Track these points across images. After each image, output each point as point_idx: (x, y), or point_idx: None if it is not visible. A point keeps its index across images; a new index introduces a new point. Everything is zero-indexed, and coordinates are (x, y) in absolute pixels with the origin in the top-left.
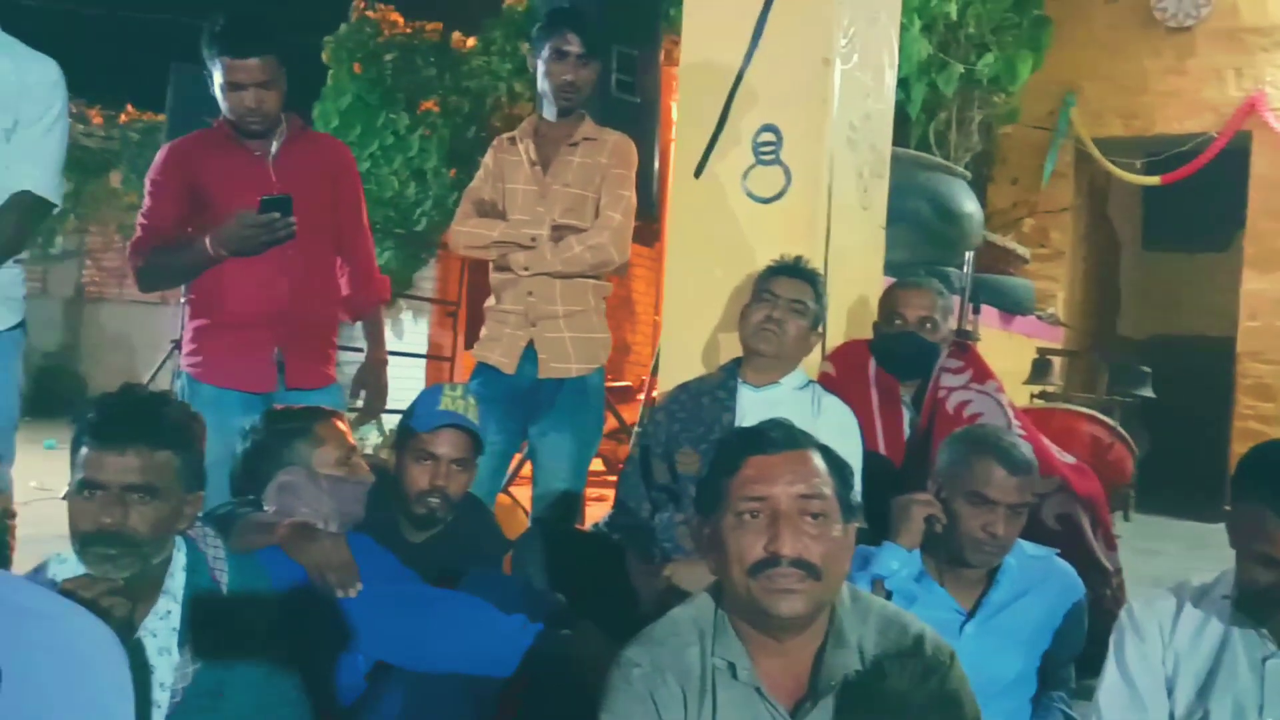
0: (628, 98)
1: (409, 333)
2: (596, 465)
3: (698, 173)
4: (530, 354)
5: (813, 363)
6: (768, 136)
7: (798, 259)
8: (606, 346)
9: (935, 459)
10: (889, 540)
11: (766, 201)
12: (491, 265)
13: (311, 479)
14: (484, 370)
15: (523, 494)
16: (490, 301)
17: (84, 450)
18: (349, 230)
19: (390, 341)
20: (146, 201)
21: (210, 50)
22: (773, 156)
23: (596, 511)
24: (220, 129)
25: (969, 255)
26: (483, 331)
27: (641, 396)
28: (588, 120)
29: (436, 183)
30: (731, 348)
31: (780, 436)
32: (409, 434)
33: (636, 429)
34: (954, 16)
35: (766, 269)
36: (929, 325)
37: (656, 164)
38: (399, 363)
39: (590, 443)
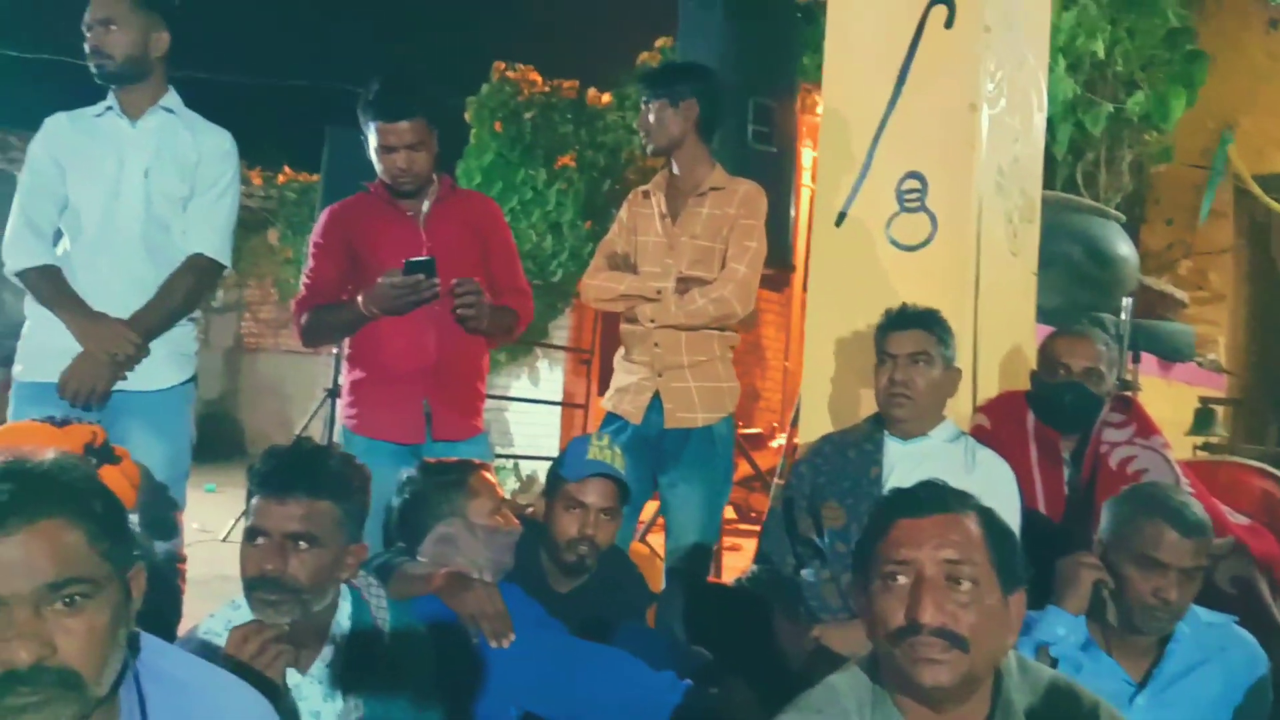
0: (764, 148)
1: (544, 380)
2: (729, 513)
3: (839, 221)
4: (657, 404)
5: (964, 414)
6: (912, 184)
7: (903, 308)
8: (734, 396)
9: (1099, 519)
10: (1053, 604)
11: (912, 249)
12: (621, 317)
13: (468, 530)
14: (613, 420)
15: (659, 542)
16: (620, 352)
17: (254, 499)
18: (503, 282)
19: (526, 389)
20: (309, 262)
21: (365, 115)
22: (918, 203)
23: (732, 561)
24: (376, 191)
25: (1127, 301)
26: (612, 382)
27: (774, 444)
28: (717, 170)
29: (572, 235)
30: (873, 399)
31: (929, 498)
32: (559, 482)
33: (777, 480)
34: (1101, 55)
35: (879, 325)
36: (1094, 377)
37: (792, 212)
38: (534, 410)
39: (720, 493)
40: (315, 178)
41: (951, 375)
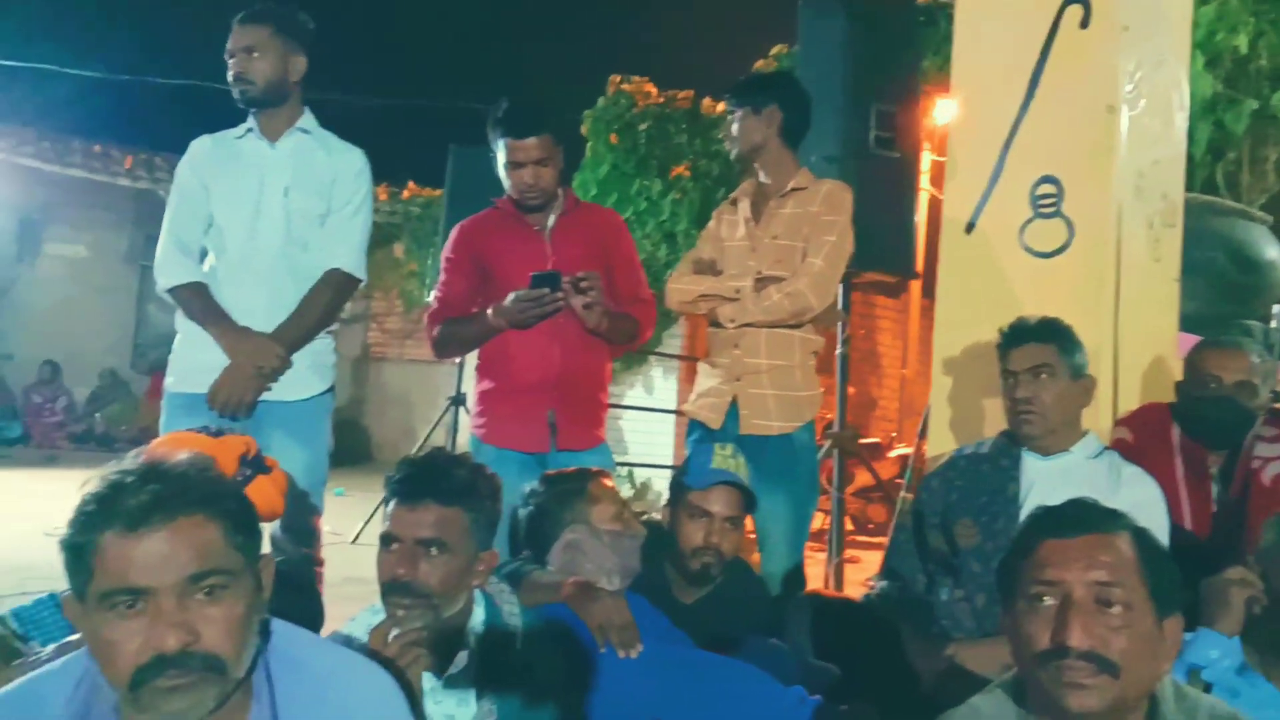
0: (886, 153)
1: (659, 389)
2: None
3: (969, 228)
4: (735, 410)
5: (1104, 427)
6: (1047, 188)
7: (1020, 321)
8: (813, 404)
9: (1250, 537)
10: (1203, 626)
11: (1047, 256)
12: (706, 320)
13: (593, 535)
14: (696, 426)
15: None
16: (704, 357)
17: (389, 506)
18: (626, 293)
19: (640, 397)
20: (441, 276)
21: (494, 132)
22: (1053, 209)
23: (852, 574)
24: (503, 206)
25: (1277, 308)
26: (695, 386)
27: (892, 454)
28: (802, 172)
29: (686, 244)
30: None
31: (1078, 517)
32: (683, 491)
33: (904, 494)
34: (1243, 50)
35: (999, 342)
36: (1246, 390)
37: (916, 217)
38: (649, 418)
39: (805, 503)
40: (438, 193)
41: (1082, 385)
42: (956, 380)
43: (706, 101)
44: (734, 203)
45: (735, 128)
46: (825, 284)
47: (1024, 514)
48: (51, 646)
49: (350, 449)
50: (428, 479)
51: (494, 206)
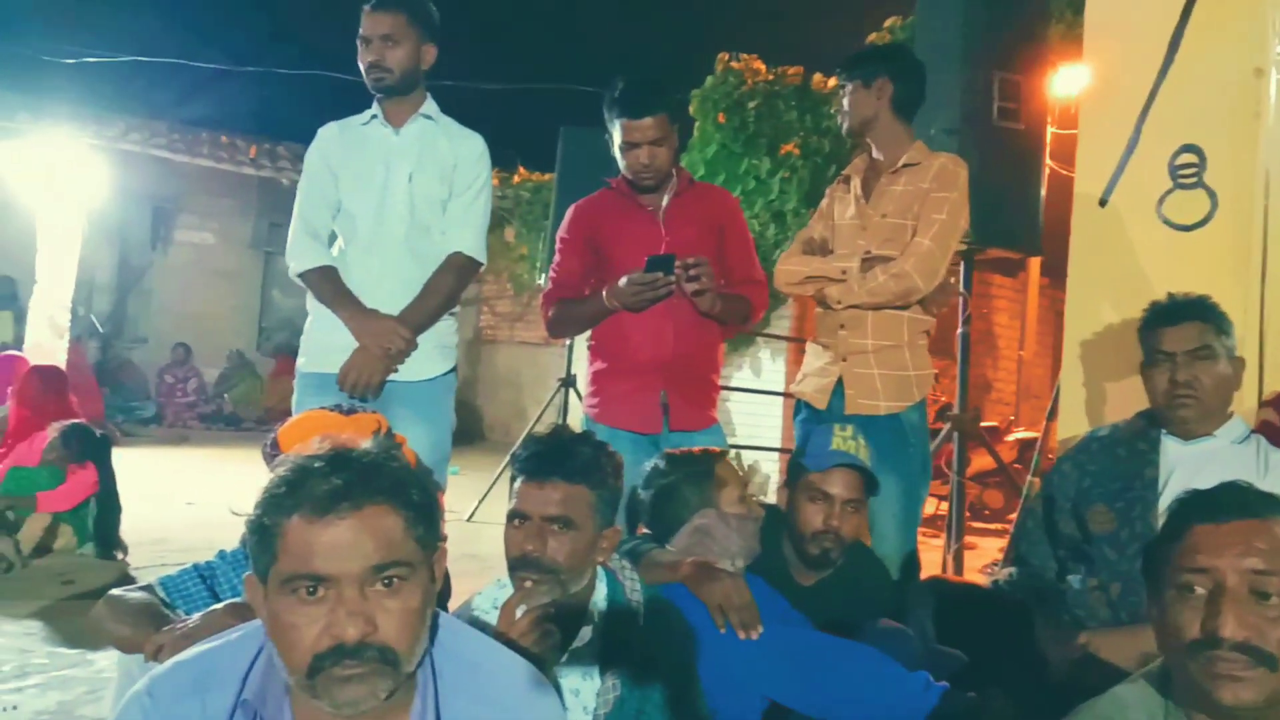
0: (1010, 125)
1: (766, 371)
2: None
3: (1103, 200)
4: (841, 390)
5: (1248, 409)
6: (1188, 158)
7: (1173, 299)
8: (923, 384)
9: None
10: None
11: (1187, 229)
12: (814, 300)
13: (722, 520)
14: (803, 406)
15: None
16: (812, 338)
17: (516, 483)
18: (739, 274)
19: (748, 379)
20: (556, 257)
21: (610, 112)
22: (1194, 179)
23: (971, 560)
24: (617, 187)
25: None
26: (802, 366)
27: (1010, 438)
28: (916, 146)
29: (796, 223)
30: (1143, 393)
31: (1233, 502)
32: (801, 472)
33: (1031, 478)
34: None
35: (1145, 320)
36: None
37: (1043, 192)
38: (757, 400)
39: (915, 484)
40: (548, 177)
41: (1235, 367)
42: (1089, 360)
43: (817, 77)
44: (846, 180)
45: (846, 102)
46: (933, 264)
47: (1164, 501)
48: (196, 616)
49: (463, 429)
50: (554, 457)
51: (608, 187)
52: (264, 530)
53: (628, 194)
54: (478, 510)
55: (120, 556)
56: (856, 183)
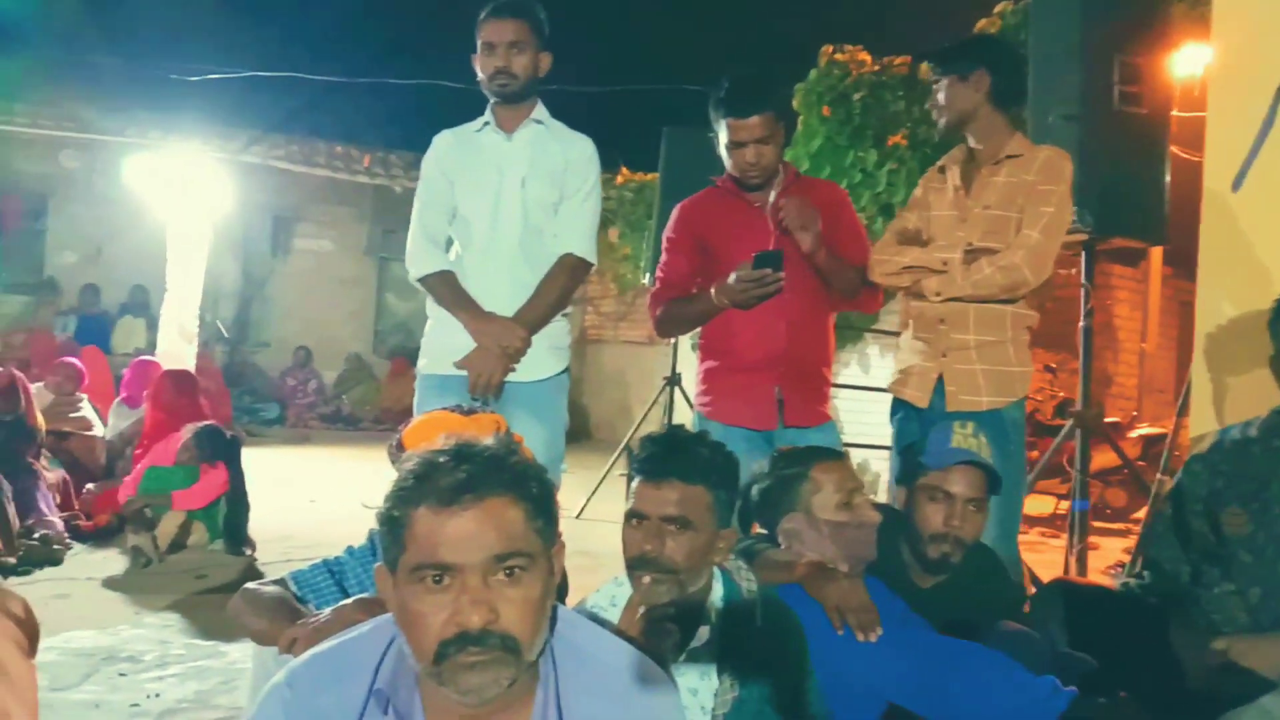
0: (1133, 109)
1: (875, 367)
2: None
3: (1236, 185)
4: (941, 387)
5: None
6: None
7: None
8: (1025, 380)
9: None
10: None
11: None
12: (908, 294)
13: (811, 525)
14: (900, 406)
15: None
16: (904, 333)
17: (634, 483)
18: (852, 265)
19: (856, 376)
20: (663, 256)
21: (716, 111)
22: None
23: (1094, 561)
24: (724, 185)
25: None
26: (896, 362)
27: (1133, 435)
28: (1016, 138)
29: None
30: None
31: None
32: (920, 471)
33: (1160, 476)
34: None
35: (1276, 311)
36: None
37: (1167, 178)
38: (865, 397)
39: (1015, 484)
40: (651, 176)
41: None
42: (1221, 354)
43: (924, 67)
44: (942, 170)
45: (942, 96)
46: (1042, 258)
47: None
48: (327, 611)
49: (569, 428)
50: (671, 457)
51: (713, 185)
52: (393, 522)
53: (734, 191)
54: (586, 507)
55: (249, 552)
56: (955, 173)
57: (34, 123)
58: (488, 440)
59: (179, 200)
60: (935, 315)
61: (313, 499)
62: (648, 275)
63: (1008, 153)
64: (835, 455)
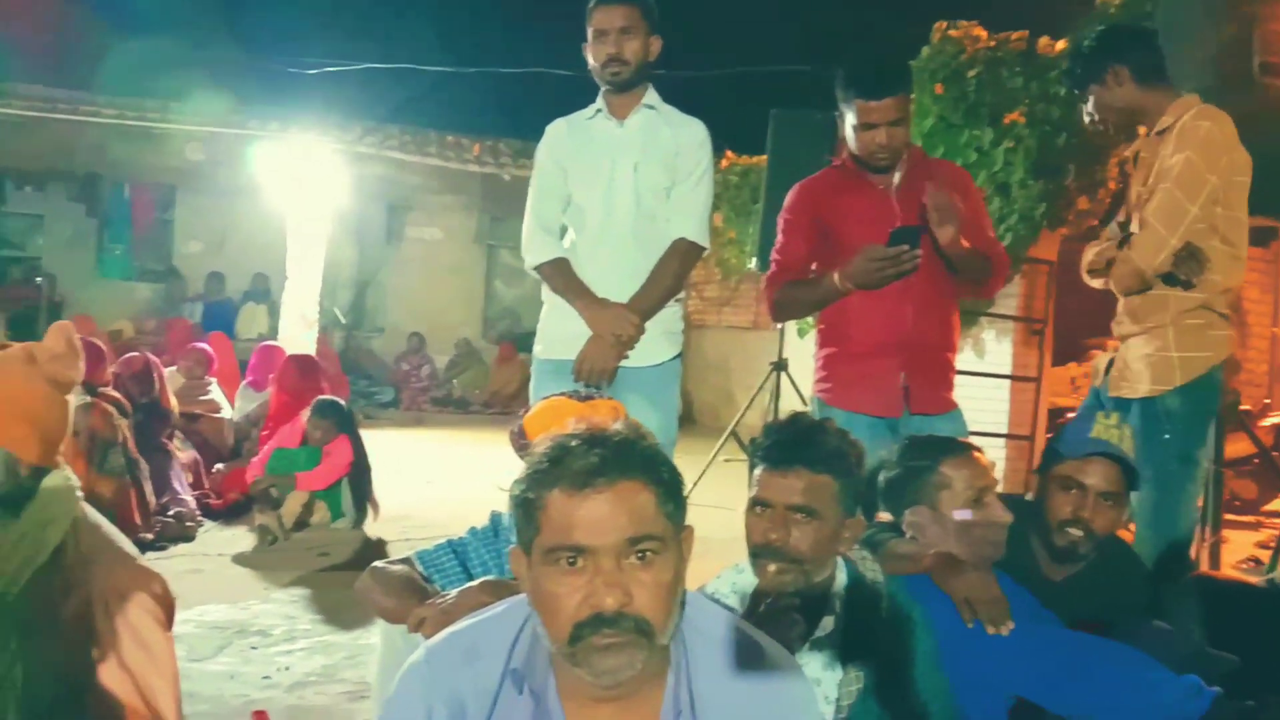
0: (1275, 80)
1: (991, 352)
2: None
3: None
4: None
5: None
6: None
7: None
8: (1188, 367)
9: None
10: None
11: None
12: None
13: (937, 521)
14: (1093, 393)
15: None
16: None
17: (757, 470)
18: (978, 248)
19: (971, 361)
20: (780, 239)
21: (846, 93)
22: None
23: (1224, 554)
24: (845, 166)
25: None
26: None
27: (1265, 423)
28: (1172, 105)
29: (1022, 195)
30: None
31: None
32: (1055, 459)
33: None
34: None
35: None
36: None
37: None
38: (981, 383)
39: (1170, 476)
40: (756, 160)
41: None
42: None
43: (1043, 41)
44: (1135, 157)
45: (1092, 106)
46: (1152, 242)
47: None
48: (454, 591)
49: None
50: (797, 445)
51: (834, 166)
52: (527, 504)
53: (856, 172)
54: (692, 492)
55: (372, 514)
56: (1136, 159)
57: (163, 117)
58: (617, 425)
59: (298, 190)
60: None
61: (429, 480)
62: (754, 260)
63: (1159, 127)
64: (967, 449)
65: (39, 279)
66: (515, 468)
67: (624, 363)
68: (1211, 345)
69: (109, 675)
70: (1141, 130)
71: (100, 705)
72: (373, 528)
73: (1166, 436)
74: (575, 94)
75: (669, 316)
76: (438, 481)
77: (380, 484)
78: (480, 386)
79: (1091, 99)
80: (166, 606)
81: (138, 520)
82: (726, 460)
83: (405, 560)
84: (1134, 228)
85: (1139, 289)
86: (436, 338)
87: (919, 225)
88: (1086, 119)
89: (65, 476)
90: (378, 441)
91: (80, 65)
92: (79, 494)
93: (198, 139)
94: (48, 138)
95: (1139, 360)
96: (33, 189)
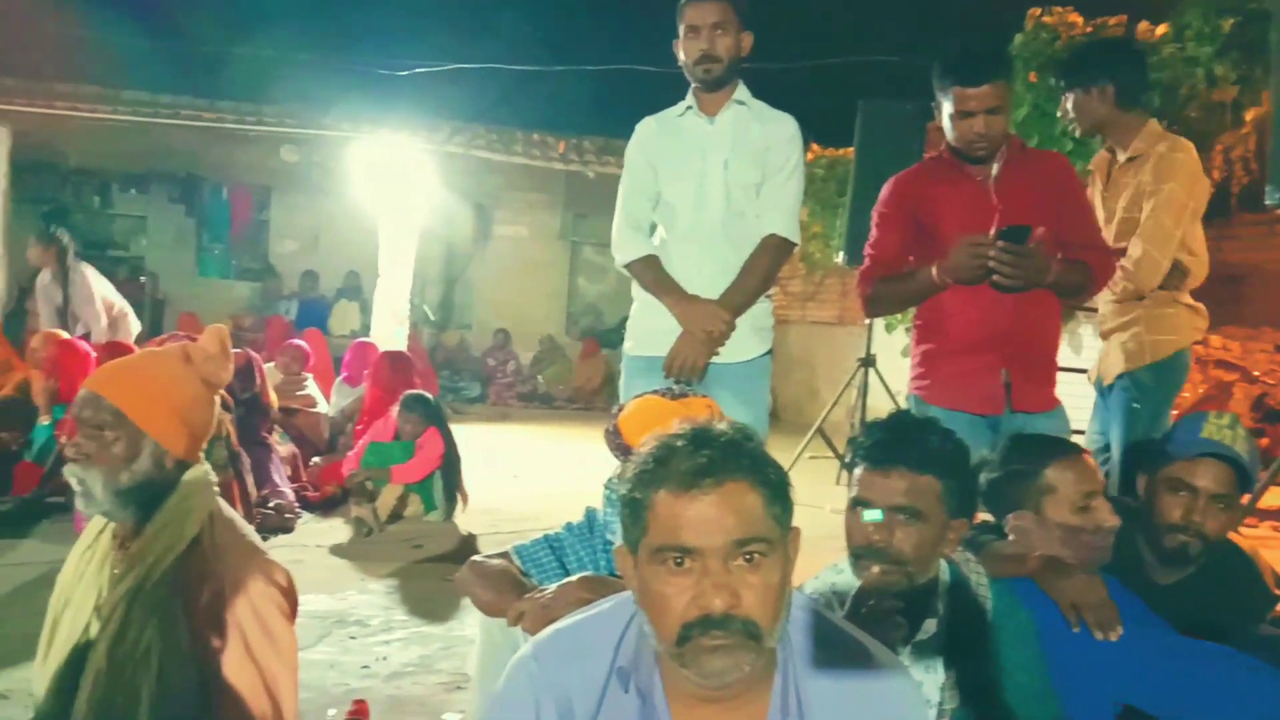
0: None
1: (1088, 348)
2: None
3: None
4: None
5: None
6: None
7: None
8: (1159, 347)
9: None
10: None
11: None
12: None
13: (1041, 526)
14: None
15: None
16: None
17: (858, 470)
18: (1078, 240)
19: (1067, 357)
20: (874, 232)
21: (944, 80)
22: None
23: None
24: (942, 157)
25: None
26: None
27: None
28: (1143, 133)
29: None
30: None
31: None
32: (1164, 460)
33: None
34: None
35: None
36: None
37: None
38: (1079, 380)
39: (1133, 439)
40: (842, 152)
41: None
42: None
43: (1142, 25)
44: (1090, 173)
45: (1070, 106)
46: (1152, 269)
47: None
48: (553, 586)
49: None
50: (900, 445)
51: (930, 157)
52: (634, 504)
53: (953, 163)
54: None
55: (461, 504)
56: (1099, 177)
57: (259, 120)
58: (723, 425)
59: (389, 190)
60: None
61: (515, 474)
62: (840, 254)
63: (1131, 154)
64: (1074, 451)
65: (143, 278)
66: (601, 463)
67: (714, 359)
68: (1179, 330)
69: (235, 662)
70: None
71: (225, 691)
72: (463, 521)
73: (1136, 406)
74: (660, 91)
75: (759, 312)
76: (524, 476)
77: (468, 477)
78: (564, 382)
79: (1071, 101)
80: (290, 599)
81: (240, 511)
82: (811, 457)
83: (503, 555)
84: (1114, 244)
85: (1134, 299)
86: (521, 334)
87: (1027, 225)
88: (1060, 113)
89: (204, 471)
90: (465, 436)
91: (181, 71)
92: (216, 489)
93: (292, 141)
94: (150, 142)
95: (1117, 348)
96: (136, 191)
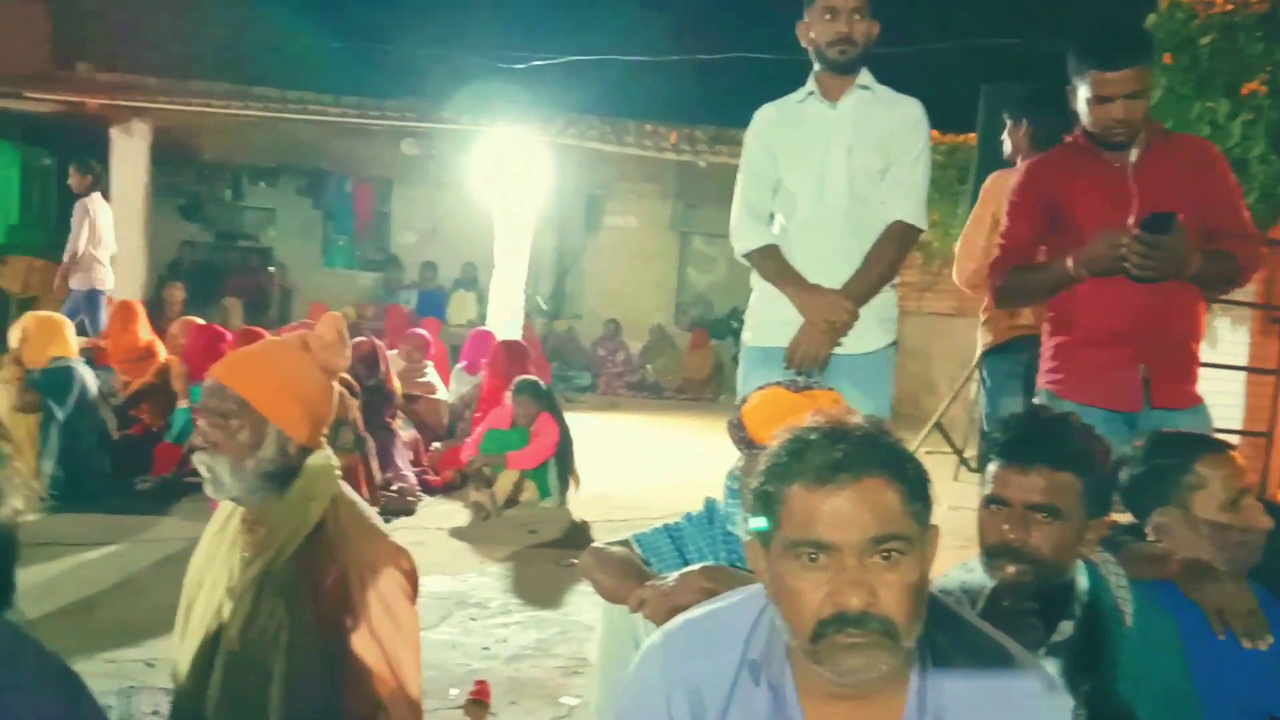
0: None
1: (1224, 342)
2: None
3: None
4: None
5: None
6: None
7: None
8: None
9: None
10: None
11: None
12: None
13: (1187, 524)
14: None
15: None
16: None
17: (992, 467)
18: (1224, 228)
19: (1204, 351)
20: (1005, 221)
21: (1081, 64)
22: None
23: None
24: (1077, 142)
25: None
26: None
27: None
28: None
29: (1262, 172)
30: None
31: None
32: None
33: None
34: None
35: None
36: None
37: None
38: (1214, 375)
39: None
40: (963, 138)
41: None
42: None
43: None
44: None
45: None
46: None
47: None
48: (674, 575)
49: None
50: (1039, 441)
51: (1065, 143)
52: (767, 497)
53: (1090, 149)
54: None
55: (574, 489)
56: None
57: (381, 114)
58: (858, 419)
59: (505, 182)
60: None
61: (625, 463)
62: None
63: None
64: (1224, 447)
65: (271, 268)
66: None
67: (838, 350)
68: None
69: (360, 642)
70: None
71: (352, 670)
72: (576, 508)
73: None
74: (772, 79)
75: (883, 302)
76: (635, 464)
77: (580, 465)
78: (673, 372)
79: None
80: (413, 581)
81: (365, 494)
82: (928, 452)
83: (624, 542)
84: None
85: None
86: (631, 324)
87: (1173, 213)
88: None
89: (327, 456)
90: (576, 424)
91: (307, 67)
92: (338, 473)
93: (413, 135)
94: (279, 136)
95: None
96: (265, 184)
